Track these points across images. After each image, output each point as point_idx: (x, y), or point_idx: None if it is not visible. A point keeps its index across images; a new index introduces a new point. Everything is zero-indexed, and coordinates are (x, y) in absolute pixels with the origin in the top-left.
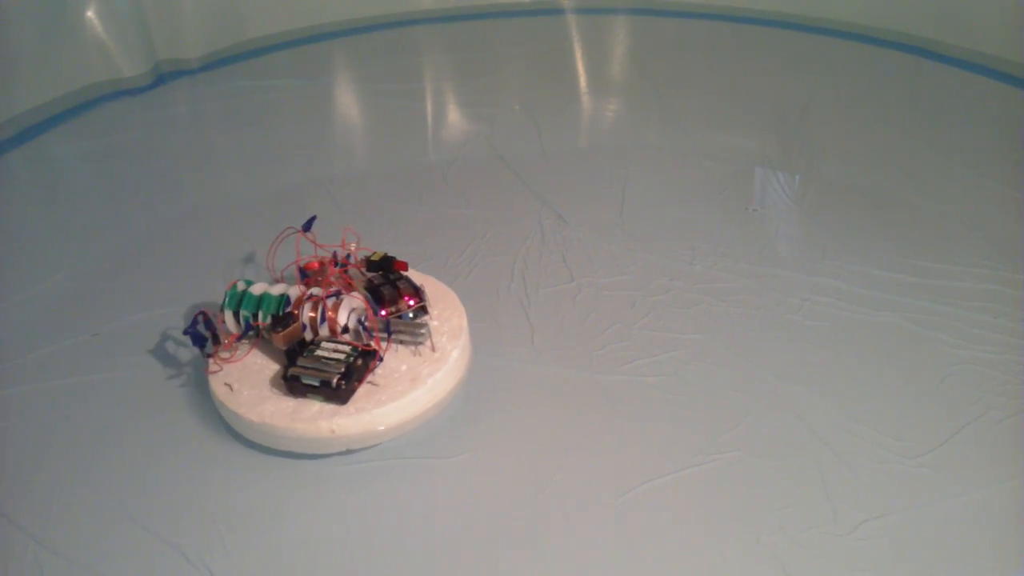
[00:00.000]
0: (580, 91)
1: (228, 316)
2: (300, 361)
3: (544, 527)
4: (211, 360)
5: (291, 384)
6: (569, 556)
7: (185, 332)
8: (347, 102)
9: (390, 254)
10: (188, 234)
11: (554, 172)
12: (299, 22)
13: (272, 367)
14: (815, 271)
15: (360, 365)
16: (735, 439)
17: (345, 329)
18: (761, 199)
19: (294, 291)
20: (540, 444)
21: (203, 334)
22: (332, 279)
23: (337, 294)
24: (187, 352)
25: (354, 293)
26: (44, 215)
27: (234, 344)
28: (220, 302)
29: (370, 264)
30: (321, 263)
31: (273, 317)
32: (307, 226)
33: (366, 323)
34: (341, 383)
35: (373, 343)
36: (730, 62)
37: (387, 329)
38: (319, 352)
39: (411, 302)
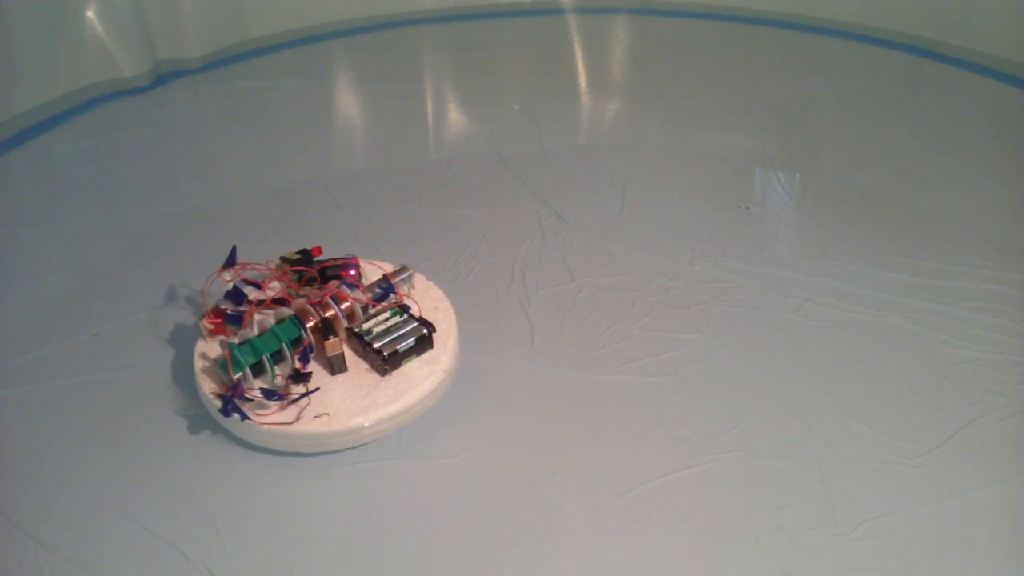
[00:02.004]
0: (580, 91)
1: (247, 374)
2: (378, 343)
3: (544, 527)
4: (263, 413)
5: (392, 360)
6: (569, 556)
7: (243, 417)
8: (347, 102)
9: (307, 248)
10: (188, 234)
11: (554, 172)
12: (299, 22)
13: (322, 379)
14: (815, 271)
15: (417, 314)
16: (735, 439)
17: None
18: (760, 199)
19: (284, 312)
20: (540, 444)
21: (271, 400)
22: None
23: (342, 281)
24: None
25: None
26: (44, 215)
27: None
28: (225, 373)
29: (293, 263)
30: (217, 311)
31: (322, 329)
32: (230, 260)
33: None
34: (431, 331)
35: (399, 299)
36: (730, 62)
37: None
38: (377, 329)
39: (352, 272)
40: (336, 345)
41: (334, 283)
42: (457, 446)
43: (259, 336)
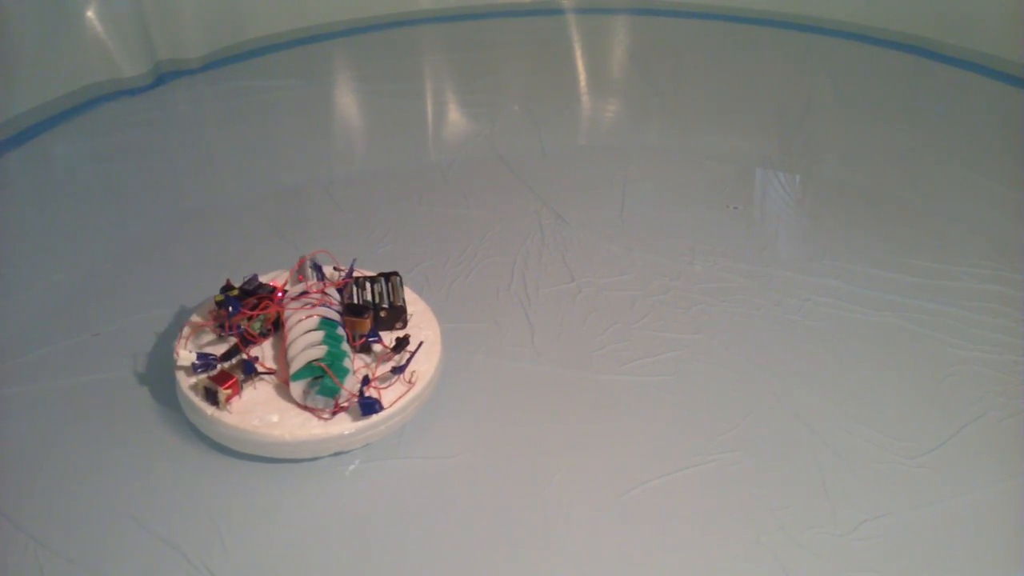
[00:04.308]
0: (580, 91)
1: (350, 380)
2: (383, 304)
3: (544, 527)
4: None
5: (405, 307)
6: (569, 556)
7: (378, 409)
8: (347, 102)
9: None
10: (188, 234)
11: (554, 172)
12: (299, 22)
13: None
14: (815, 271)
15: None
16: (735, 439)
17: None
18: (759, 199)
19: (311, 321)
20: (540, 444)
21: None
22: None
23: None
24: None
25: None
26: (44, 215)
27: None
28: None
29: (235, 295)
30: (223, 376)
31: (350, 313)
32: (233, 308)
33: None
34: (400, 276)
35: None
36: (730, 62)
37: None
38: (367, 297)
39: (283, 293)
40: (369, 322)
41: (315, 281)
42: (457, 446)
43: (325, 345)
